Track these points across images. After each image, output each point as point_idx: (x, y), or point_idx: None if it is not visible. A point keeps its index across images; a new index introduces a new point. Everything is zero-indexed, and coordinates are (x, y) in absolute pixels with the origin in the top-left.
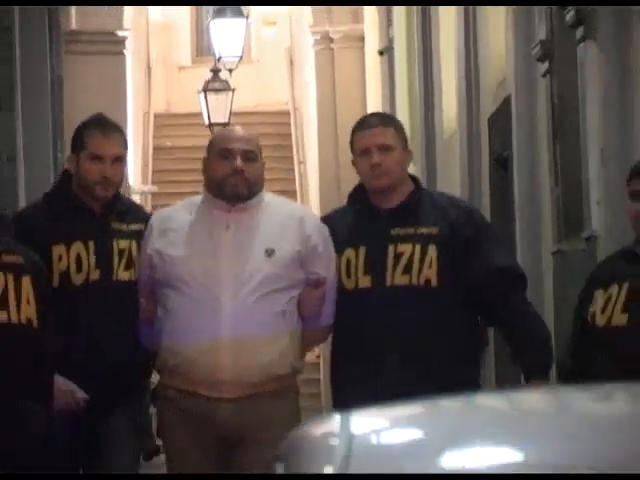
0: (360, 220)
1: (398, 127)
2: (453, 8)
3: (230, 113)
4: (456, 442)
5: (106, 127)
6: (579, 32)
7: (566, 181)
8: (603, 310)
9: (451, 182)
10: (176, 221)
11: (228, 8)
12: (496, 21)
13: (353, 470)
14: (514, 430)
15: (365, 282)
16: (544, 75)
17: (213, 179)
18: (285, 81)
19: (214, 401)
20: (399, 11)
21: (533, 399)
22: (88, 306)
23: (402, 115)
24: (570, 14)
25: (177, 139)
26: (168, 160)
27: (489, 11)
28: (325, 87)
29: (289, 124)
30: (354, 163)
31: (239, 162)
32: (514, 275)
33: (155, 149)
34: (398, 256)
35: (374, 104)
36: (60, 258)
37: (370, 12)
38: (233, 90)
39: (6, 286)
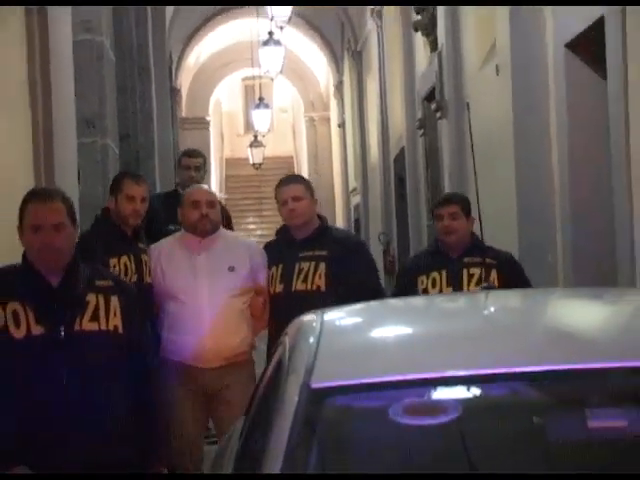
0: (281, 247)
1: (307, 184)
2: (376, 103)
3: (262, 158)
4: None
5: (137, 178)
6: (438, 114)
7: (432, 188)
8: (433, 287)
9: (374, 192)
10: (167, 249)
11: (262, 103)
12: (397, 106)
13: (324, 338)
14: None
15: (279, 288)
16: (421, 136)
17: (188, 221)
18: (290, 141)
19: (200, 369)
20: (348, 102)
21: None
22: None
23: (350, 155)
24: (433, 105)
25: (235, 170)
26: (232, 180)
27: (394, 101)
28: (311, 144)
29: (293, 164)
30: (279, 209)
31: (204, 209)
32: (375, 290)
33: (226, 176)
34: (300, 271)
35: (337, 152)
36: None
37: (333, 103)
38: (264, 146)
39: (97, 304)
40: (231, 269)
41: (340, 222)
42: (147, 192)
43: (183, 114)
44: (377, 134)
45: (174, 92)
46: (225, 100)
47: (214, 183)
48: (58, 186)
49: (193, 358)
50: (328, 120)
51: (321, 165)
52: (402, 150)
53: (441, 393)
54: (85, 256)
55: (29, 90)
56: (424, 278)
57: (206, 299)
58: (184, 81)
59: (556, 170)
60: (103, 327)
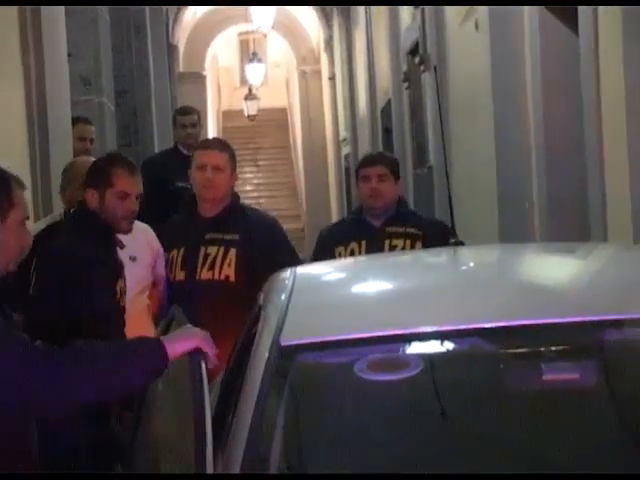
0: (184, 225)
1: (232, 154)
2: (363, 58)
3: (257, 110)
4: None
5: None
6: (421, 67)
7: (418, 138)
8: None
9: (363, 142)
10: None
11: (256, 58)
12: (383, 60)
13: (295, 295)
14: None
15: (180, 276)
16: (406, 89)
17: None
18: (284, 94)
19: None
20: (338, 56)
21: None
22: None
23: (341, 107)
24: (417, 59)
25: (232, 122)
26: (229, 131)
27: (381, 55)
28: (303, 96)
29: (286, 114)
30: (190, 174)
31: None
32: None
33: (223, 128)
34: (206, 256)
35: (327, 104)
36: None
37: (324, 58)
38: (258, 99)
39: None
40: (133, 259)
41: (332, 171)
42: (141, 184)
43: (181, 69)
44: (365, 87)
45: (171, 48)
46: (222, 55)
47: (212, 135)
48: (53, 149)
49: None
50: (319, 73)
51: (313, 116)
52: (389, 102)
53: (406, 348)
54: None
55: (21, 53)
56: (342, 249)
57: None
58: (181, 37)
59: (532, 121)
60: None
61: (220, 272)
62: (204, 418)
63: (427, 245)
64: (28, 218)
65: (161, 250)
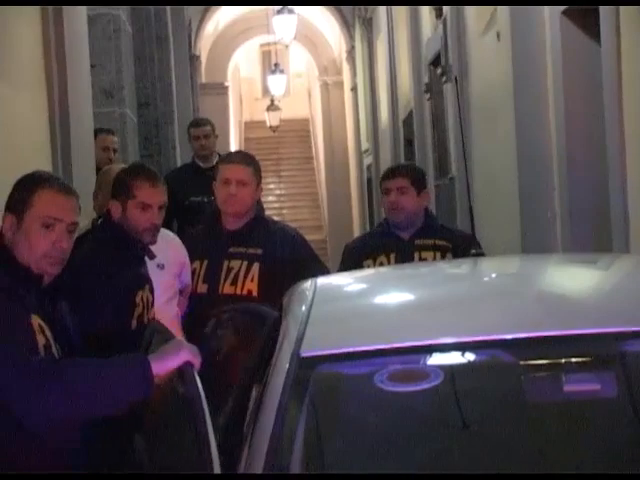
0: (208, 238)
1: (256, 168)
2: (385, 69)
3: (279, 120)
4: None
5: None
6: (443, 78)
7: (439, 149)
8: None
9: (384, 153)
10: None
11: (278, 69)
12: (405, 71)
13: (316, 306)
14: None
15: (202, 289)
16: (428, 100)
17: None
18: (306, 104)
19: None
20: (360, 67)
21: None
22: None
23: (362, 117)
24: (439, 70)
25: (254, 133)
26: (251, 142)
27: (402, 66)
28: (325, 107)
29: (308, 125)
30: (215, 186)
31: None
32: None
33: (245, 138)
34: (229, 270)
35: (349, 115)
36: None
37: (346, 68)
38: (280, 109)
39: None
40: (161, 267)
41: (354, 182)
42: (166, 194)
43: (203, 80)
44: (387, 98)
45: (193, 59)
46: (243, 66)
47: (234, 146)
48: (75, 160)
49: None
50: (341, 84)
51: (335, 127)
52: (410, 113)
53: (426, 360)
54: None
55: (44, 65)
56: (370, 262)
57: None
58: (203, 48)
59: (554, 131)
60: None
61: (243, 287)
62: (207, 431)
63: (456, 257)
64: (75, 224)
65: (187, 261)
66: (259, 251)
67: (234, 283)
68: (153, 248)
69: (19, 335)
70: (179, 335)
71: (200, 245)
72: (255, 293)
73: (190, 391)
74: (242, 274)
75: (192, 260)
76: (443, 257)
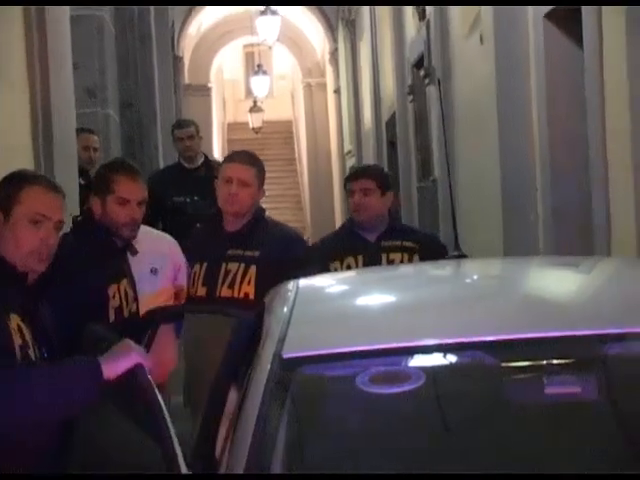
0: (208, 239)
1: (259, 169)
2: (368, 71)
3: (262, 122)
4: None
5: (133, 172)
6: (426, 81)
7: (422, 151)
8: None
9: (367, 154)
10: None
11: (261, 70)
12: (388, 73)
13: (297, 307)
14: None
15: (202, 292)
16: (411, 102)
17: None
18: (289, 106)
19: None
20: (343, 69)
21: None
22: None
23: (345, 119)
24: (422, 72)
25: (237, 135)
26: (234, 144)
27: (386, 68)
28: (308, 109)
29: (291, 126)
30: (217, 185)
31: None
32: None
33: (228, 140)
34: (227, 273)
35: (333, 117)
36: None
37: (329, 70)
38: (263, 111)
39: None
40: (154, 271)
41: (336, 184)
42: (146, 190)
43: (186, 81)
44: (370, 99)
45: (177, 60)
46: (227, 67)
47: (217, 147)
48: (57, 159)
49: None
50: (324, 86)
51: (318, 129)
52: (393, 115)
53: (408, 361)
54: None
55: (26, 65)
56: (337, 264)
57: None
58: (186, 49)
59: (537, 134)
60: None
61: (240, 290)
62: (169, 434)
63: (423, 258)
64: (62, 222)
65: (183, 264)
66: (256, 253)
67: (231, 286)
68: (147, 251)
69: None
70: (170, 340)
71: (200, 247)
72: (252, 296)
73: (145, 395)
74: (239, 277)
75: (193, 262)
76: (410, 259)
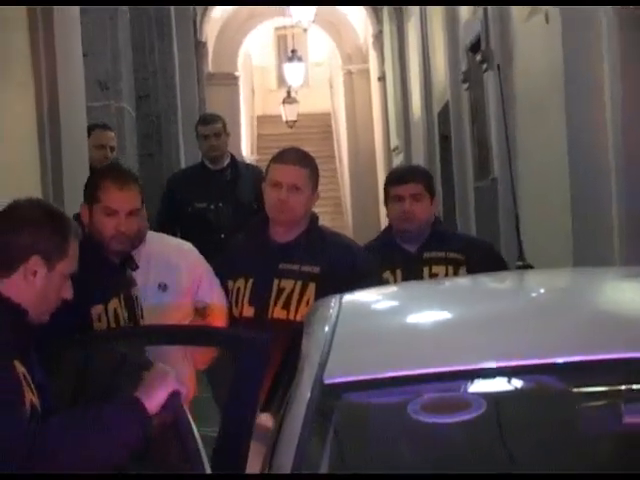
0: (253, 251)
1: (314, 170)
2: (417, 55)
3: (297, 115)
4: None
5: (122, 179)
6: (484, 66)
7: (479, 146)
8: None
9: (417, 150)
10: None
11: (295, 56)
12: (440, 58)
13: (340, 326)
14: None
15: (249, 312)
16: (466, 90)
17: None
18: (327, 96)
19: None
20: (389, 54)
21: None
22: None
23: (392, 111)
24: (478, 56)
25: (268, 129)
26: (265, 140)
27: (437, 52)
28: (349, 99)
29: (330, 119)
30: (263, 188)
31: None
32: None
33: (258, 135)
34: (280, 291)
35: (377, 108)
36: None
37: (373, 55)
38: (298, 102)
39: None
40: (163, 287)
41: (382, 183)
42: (138, 199)
43: (210, 70)
44: (419, 88)
45: (199, 46)
46: (256, 53)
47: (245, 144)
48: (66, 159)
49: None
50: (367, 73)
51: (360, 122)
52: (446, 105)
53: (467, 387)
54: None
55: (31, 54)
56: None
57: None
58: (210, 34)
59: (610, 128)
60: None
61: (297, 311)
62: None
63: (472, 271)
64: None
65: (206, 276)
66: (316, 269)
67: (286, 307)
68: (154, 264)
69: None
70: (186, 366)
71: (244, 259)
72: None
73: (180, 423)
74: (296, 296)
75: (234, 277)
76: (456, 272)
